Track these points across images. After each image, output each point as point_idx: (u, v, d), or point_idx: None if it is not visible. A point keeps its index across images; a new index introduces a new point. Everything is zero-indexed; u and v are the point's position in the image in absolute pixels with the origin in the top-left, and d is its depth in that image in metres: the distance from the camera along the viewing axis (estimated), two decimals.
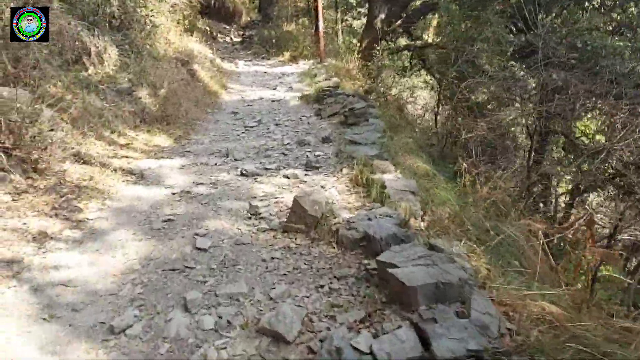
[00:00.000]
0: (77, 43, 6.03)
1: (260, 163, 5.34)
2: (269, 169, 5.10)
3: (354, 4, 24.34)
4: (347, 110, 6.49)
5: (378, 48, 10.05)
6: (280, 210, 3.96)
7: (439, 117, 7.52)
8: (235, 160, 5.49)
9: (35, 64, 5.25)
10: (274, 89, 10.21)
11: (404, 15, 14.31)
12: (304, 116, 7.40)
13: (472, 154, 5.29)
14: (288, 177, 4.75)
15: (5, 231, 3.40)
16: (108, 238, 3.53)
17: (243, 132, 6.75)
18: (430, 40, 17.20)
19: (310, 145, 5.94)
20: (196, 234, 3.55)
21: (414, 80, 15.26)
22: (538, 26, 5.43)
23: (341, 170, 4.82)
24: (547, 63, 5.93)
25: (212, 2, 21.52)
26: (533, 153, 6.34)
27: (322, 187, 4.43)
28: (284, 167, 5.15)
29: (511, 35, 6.42)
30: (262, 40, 19.52)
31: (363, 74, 11.78)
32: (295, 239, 3.39)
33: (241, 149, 5.89)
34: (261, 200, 4.22)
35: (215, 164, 5.35)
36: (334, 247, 3.17)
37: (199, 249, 3.32)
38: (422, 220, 3.24)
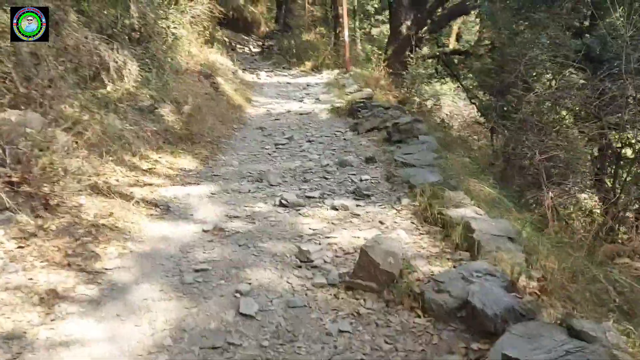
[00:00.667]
0: (94, 58, 5.41)
1: (300, 190, 4.62)
2: (312, 197, 4.38)
3: (372, 12, 23.81)
4: (391, 126, 5.75)
5: (412, 56, 9.29)
6: (337, 256, 3.23)
7: (494, 135, 6.73)
8: (271, 185, 4.79)
9: (49, 83, 4.64)
10: (301, 100, 9.53)
11: (430, 21, 13.54)
12: (338, 131, 6.68)
13: (542, 177, 4.49)
14: (337, 209, 4.02)
15: (7, 291, 2.74)
16: (130, 297, 2.84)
17: (274, 151, 6.06)
18: (454, 46, 16.43)
19: (354, 166, 5.20)
20: (238, 292, 2.83)
21: (437, 86, 14.50)
22: (622, 28, 4.64)
23: (399, 200, 4.07)
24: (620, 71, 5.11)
25: (231, 12, 21.11)
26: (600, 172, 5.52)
27: (380, 222, 3.69)
28: (329, 195, 4.42)
29: (577, 40, 5.64)
30: (282, 50, 19.03)
31: (394, 83, 11.08)
32: (364, 300, 2.65)
33: (275, 172, 5.18)
34: (310, 240, 3.49)
35: (249, 191, 4.65)
36: (419, 316, 2.42)
37: (243, 315, 2.60)
38: (532, 279, 2.48)
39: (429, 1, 13.41)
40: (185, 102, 6.69)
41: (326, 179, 4.92)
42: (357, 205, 4.10)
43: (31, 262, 3.04)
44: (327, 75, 13.03)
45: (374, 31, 23.80)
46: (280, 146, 6.22)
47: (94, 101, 5.13)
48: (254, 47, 21.27)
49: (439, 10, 13.52)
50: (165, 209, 4.18)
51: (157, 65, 6.70)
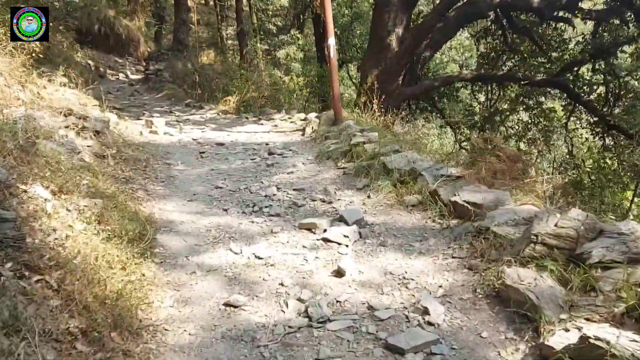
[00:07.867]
0: None
1: None
2: None
3: (275, 31, 18.14)
4: None
5: None
6: None
7: None
8: None
9: None
10: (315, 233, 3.14)
11: (436, 27, 8.02)
12: None
13: None
14: None
15: None
16: None
17: None
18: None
19: None
20: None
21: None
22: None
23: None
24: None
25: (97, 27, 13.84)
26: None
27: None
28: None
29: None
30: (176, 78, 12.20)
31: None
32: None
33: None
34: None
35: None
36: None
37: None
38: None
39: None
40: None
41: None
42: None
43: None
44: (286, 124, 6.74)
45: (280, 54, 18.00)
46: None
47: None
48: (132, 73, 14.15)
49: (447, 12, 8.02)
50: None
51: None
